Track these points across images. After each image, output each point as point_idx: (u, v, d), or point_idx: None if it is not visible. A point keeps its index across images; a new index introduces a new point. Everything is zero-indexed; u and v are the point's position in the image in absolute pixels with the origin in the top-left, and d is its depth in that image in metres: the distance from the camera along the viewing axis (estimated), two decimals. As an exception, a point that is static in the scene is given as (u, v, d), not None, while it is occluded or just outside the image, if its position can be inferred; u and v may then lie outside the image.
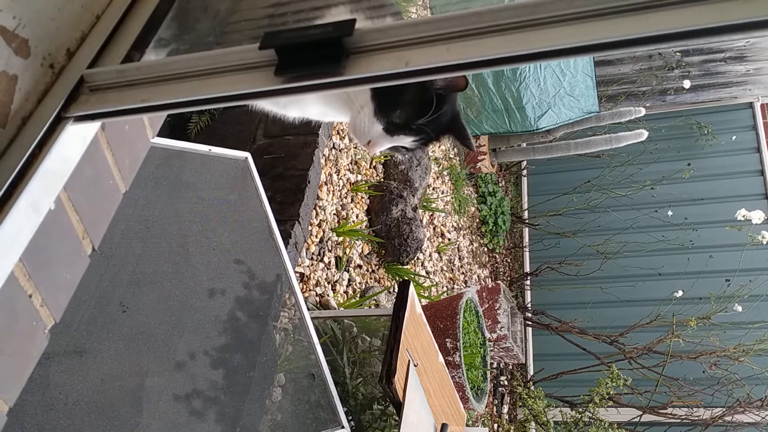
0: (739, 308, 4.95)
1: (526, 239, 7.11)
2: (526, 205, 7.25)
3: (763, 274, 5.56)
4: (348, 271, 3.36)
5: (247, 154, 2.35)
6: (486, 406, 4.78)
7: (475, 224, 5.97)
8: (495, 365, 5.47)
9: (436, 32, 0.69)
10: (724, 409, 4.91)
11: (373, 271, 3.64)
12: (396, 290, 2.51)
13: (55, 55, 0.84)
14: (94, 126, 0.86)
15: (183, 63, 0.77)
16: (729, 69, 6.84)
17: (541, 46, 0.65)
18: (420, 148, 1.32)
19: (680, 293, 5.22)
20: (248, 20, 0.98)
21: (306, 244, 2.98)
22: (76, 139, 0.83)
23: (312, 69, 0.71)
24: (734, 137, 6.74)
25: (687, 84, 6.45)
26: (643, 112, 5.51)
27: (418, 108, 1.23)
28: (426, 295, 4.14)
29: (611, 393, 4.73)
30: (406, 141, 1.29)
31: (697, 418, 4.97)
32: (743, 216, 4.88)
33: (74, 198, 0.85)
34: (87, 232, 0.90)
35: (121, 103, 0.78)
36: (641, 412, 5.10)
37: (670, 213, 6.20)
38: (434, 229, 4.86)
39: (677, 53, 6.81)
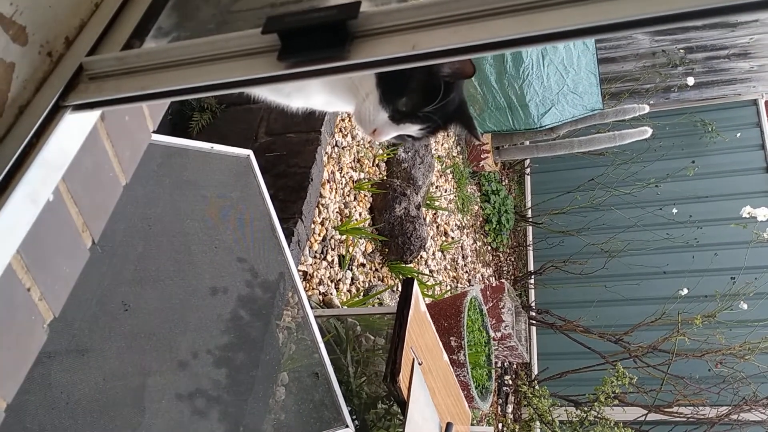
0: (745, 306, 4.93)
1: (530, 238, 7.09)
2: (529, 204, 7.23)
3: (768, 272, 5.54)
4: (351, 270, 3.34)
5: (249, 152, 2.34)
6: (491, 406, 4.77)
7: (478, 223, 5.95)
8: (499, 364, 5.46)
9: (443, 14, 0.67)
10: (730, 408, 4.90)
11: (376, 269, 3.63)
12: (400, 288, 2.50)
13: (53, 43, 0.83)
14: (93, 116, 0.84)
15: (184, 49, 0.75)
16: (733, 66, 6.81)
17: (550, 27, 0.64)
18: (427, 137, 1.30)
19: (685, 291, 5.19)
20: (251, 9, 0.96)
21: (309, 242, 2.97)
22: (74, 128, 0.81)
23: (316, 53, 0.69)
24: (739, 134, 6.72)
25: (691, 81, 6.42)
26: (646, 109, 5.49)
27: (424, 95, 1.20)
28: (430, 293, 4.13)
29: (617, 392, 4.72)
30: (413, 129, 1.27)
31: (702, 417, 4.95)
32: (748, 213, 4.86)
33: (73, 189, 0.84)
34: (87, 225, 0.89)
35: (120, 91, 0.77)
36: (647, 411, 5.08)
37: (674, 211, 6.18)
38: (438, 227, 4.84)
39: (681, 50, 6.79)
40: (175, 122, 3.06)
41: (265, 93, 1.33)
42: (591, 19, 0.63)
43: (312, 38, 0.69)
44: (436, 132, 1.29)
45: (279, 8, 0.93)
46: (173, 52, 0.76)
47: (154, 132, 1.04)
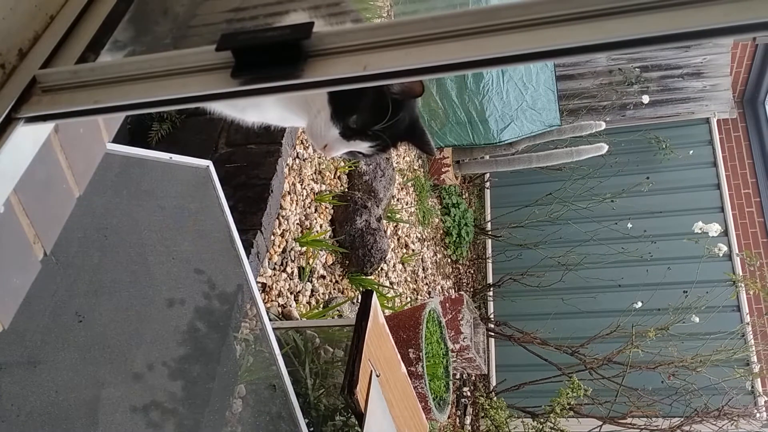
0: (697, 319, 5.03)
1: (489, 251, 7.15)
2: (489, 217, 7.29)
3: (719, 286, 5.65)
4: (311, 282, 3.34)
5: (208, 163, 2.33)
6: (449, 417, 4.79)
7: (438, 235, 5.99)
8: (458, 376, 5.49)
9: (395, 36, 0.69)
10: (683, 419, 4.98)
11: (336, 281, 3.63)
12: (359, 300, 2.51)
13: (6, 55, 0.82)
14: (46, 128, 0.84)
15: (138, 64, 0.76)
16: (686, 85, 6.99)
17: (498, 52, 0.66)
18: (377, 154, 1.32)
19: (639, 304, 5.29)
20: (207, 24, 0.97)
21: (268, 254, 2.96)
22: (27, 140, 0.81)
23: (269, 71, 0.70)
24: (691, 152, 6.87)
25: (646, 99, 6.57)
26: (603, 126, 5.60)
27: (374, 113, 1.22)
28: (390, 305, 4.14)
29: (572, 403, 4.77)
30: (363, 146, 1.29)
31: (656, 428, 5.03)
32: (700, 229, 4.99)
33: (25, 201, 0.83)
34: (38, 237, 0.88)
35: (74, 104, 0.77)
36: (602, 422, 5.15)
37: (629, 225, 6.28)
38: (398, 239, 4.86)
39: (636, 69, 6.95)
40: (135, 131, 3.03)
41: (220, 107, 1.33)
42: (538, 44, 0.65)
43: (265, 56, 0.70)
44: (386, 150, 1.31)
45: (235, 24, 0.95)
46: (128, 67, 0.76)
47: (110, 143, 1.04)
